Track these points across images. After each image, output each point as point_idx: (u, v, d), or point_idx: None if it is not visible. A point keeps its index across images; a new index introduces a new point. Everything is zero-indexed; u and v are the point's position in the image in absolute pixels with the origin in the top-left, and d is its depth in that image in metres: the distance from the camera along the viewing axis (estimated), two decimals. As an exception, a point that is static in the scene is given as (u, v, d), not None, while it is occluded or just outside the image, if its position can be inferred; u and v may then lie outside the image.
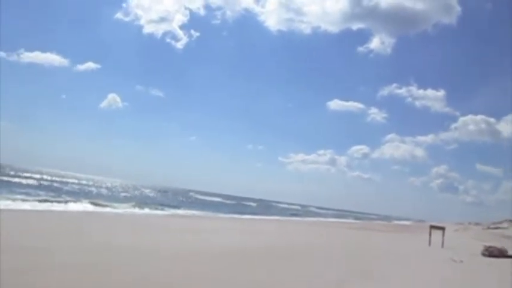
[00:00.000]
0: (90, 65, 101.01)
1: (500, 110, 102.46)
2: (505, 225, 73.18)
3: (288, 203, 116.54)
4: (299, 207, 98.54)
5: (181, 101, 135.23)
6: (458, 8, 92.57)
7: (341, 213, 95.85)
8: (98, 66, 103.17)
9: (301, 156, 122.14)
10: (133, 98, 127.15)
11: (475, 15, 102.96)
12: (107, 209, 24.42)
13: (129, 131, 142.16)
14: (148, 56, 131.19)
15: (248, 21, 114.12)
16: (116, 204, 28.17)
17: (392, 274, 9.38)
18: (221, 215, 34.80)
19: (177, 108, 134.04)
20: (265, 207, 76.52)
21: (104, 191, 52.53)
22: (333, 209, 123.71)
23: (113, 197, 42.11)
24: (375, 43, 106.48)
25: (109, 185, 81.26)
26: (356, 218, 74.98)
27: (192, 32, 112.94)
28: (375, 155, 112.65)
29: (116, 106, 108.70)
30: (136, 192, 63.65)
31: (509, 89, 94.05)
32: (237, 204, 69.68)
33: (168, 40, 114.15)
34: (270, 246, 13.10)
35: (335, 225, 36.49)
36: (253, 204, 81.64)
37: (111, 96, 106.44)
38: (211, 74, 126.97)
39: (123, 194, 52.20)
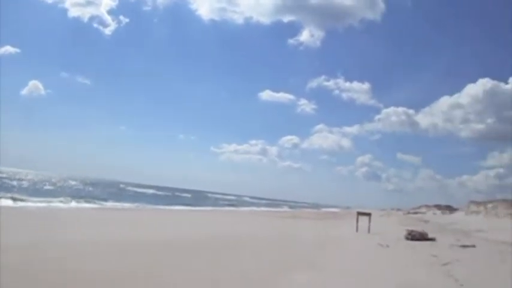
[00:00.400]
0: (8, 49, 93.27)
1: (419, 103, 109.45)
2: (423, 210, 78.61)
3: (222, 194, 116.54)
4: (233, 198, 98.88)
5: (110, 89, 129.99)
6: (382, 5, 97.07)
7: (274, 203, 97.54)
8: (17, 50, 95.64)
9: (233, 146, 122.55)
10: (57, 86, 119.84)
11: (397, 12, 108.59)
12: (29, 204, 22.63)
13: (54, 120, 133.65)
14: (74, 41, 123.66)
15: (180, 9, 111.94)
16: (38, 199, 26.20)
17: (324, 260, 9.46)
18: (150, 207, 33.74)
19: (105, 96, 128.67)
20: (200, 198, 75.72)
21: (26, 185, 48.90)
22: (266, 199, 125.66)
23: (36, 190, 39.28)
24: (304, 36, 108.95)
25: (32, 178, 75.89)
26: (288, 207, 76.64)
27: (121, 17, 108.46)
28: (305, 145, 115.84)
29: (38, 93, 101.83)
30: (63, 185, 60.04)
31: (427, 83, 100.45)
32: (171, 196, 68.30)
33: (95, 25, 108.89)
34: (199, 237, 12.78)
35: (267, 215, 36.88)
36: (187, 195, 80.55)
37: (33, 83, 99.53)
38: (141, 62, 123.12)
39: (47, 188, 49.07)
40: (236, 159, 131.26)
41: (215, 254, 9.37)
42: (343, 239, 15.80)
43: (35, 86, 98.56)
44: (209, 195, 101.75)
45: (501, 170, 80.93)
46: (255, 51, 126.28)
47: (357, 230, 19.68)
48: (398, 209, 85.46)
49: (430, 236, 17.24)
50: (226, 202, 68.11)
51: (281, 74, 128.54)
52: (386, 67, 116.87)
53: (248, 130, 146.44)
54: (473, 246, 14.89)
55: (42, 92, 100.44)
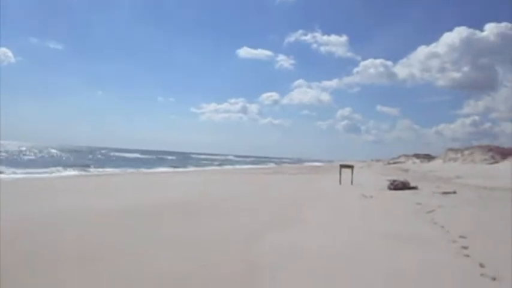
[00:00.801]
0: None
1: (396, 54, 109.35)
2: (402, 159, 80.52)
3: (207, 154, 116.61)
4: (218, 158, 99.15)
5: (83, 53, 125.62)
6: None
7: (258, 160, 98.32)
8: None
9: (213, 106, 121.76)
10: (27, 52, 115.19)
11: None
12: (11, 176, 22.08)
13: (26, 88, 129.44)
14: (42, 4, 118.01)
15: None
16: (22, 170, 25.48)
17: (311, 214, 9.53)
18: (134, 171, 33.47)
19: (79, 62, 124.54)
20: (184, 159, 75.58)
21: (5, 156, 47.48)
22: (251, 156, 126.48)
23: (16, 161, 38.27)
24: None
25: (10, 149, 73.88)
26: (273, 164, 77.38)
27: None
28: (285, 101, 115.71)
29: (8, 62, 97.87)
30: (44, 155, 58.68)
31: (404, 34, 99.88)
32: (155, 159, 67.86)
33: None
34: (186, 199, 12.74)
35: (251, 172, 37.10)
36: (172, 157, 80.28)
37: (1, 50, 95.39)
38: (113, 24, 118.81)
39: (29, 157, 48.11)
40: (217, 118, 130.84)
41: (197, 214, 9.34)
42: (328, 192, 15.98)
43: (4, 53, 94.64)
44: (194, 156, 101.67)
45: (477, 118, 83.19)
46: (231, 8, 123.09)
47: (340, 183, 19.96)
48: (378, 160, 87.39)
49: (412, 184, 17.62)
50: (210, 162, 68.17)
51: (258, 30, 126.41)
52: (363, 19, 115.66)
53: (227, 89, 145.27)
54: (454, 192, 15.30)
55: (12, 59, 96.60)
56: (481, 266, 4.91)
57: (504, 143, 62.79)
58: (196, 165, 51.76)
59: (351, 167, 21.89)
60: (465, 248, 5.83)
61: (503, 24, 71.81)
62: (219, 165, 57.85)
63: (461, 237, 6.58)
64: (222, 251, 5.68)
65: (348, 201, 12.86)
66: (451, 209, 10.64)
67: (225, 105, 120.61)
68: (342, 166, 22.15)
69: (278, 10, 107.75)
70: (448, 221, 8.33)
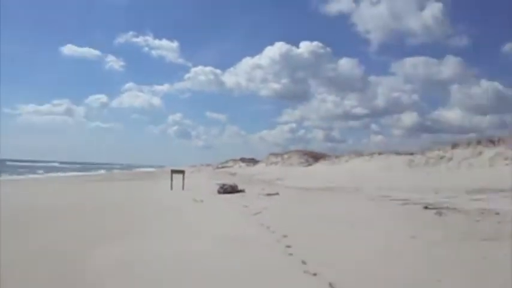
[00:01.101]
0: None
1: (225, 63, 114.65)
2: (230, 164, 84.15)
3: (27, 161, 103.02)
4: (40, 164, 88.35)
5: None
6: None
7: (86, 167, 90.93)
8: None
9: (32, 107, 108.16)
10: None
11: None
12: None
13: None
14: None
15: None
16: None
17: (141, 223, 9.11)
18: None
19: None
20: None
21: None
22: (79, 163, 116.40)
23: None
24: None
25: None
26: (100, 170, 72.41)
27: None
28: (114, 104, 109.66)
29: None
30: None
31: (231, 44, 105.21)
32: None
33: None
34: None
35: (77, 180, 34.11)
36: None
37: None
38: None
39: None
40: (37, 121, 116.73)
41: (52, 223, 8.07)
42: (159, 198, 15.62)
43: None
44: (10, 163, 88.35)
45: (294, 125, 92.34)
46: (55, 2, 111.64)
47: (171, 188, 19.74)
48: (209, 165, 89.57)
49: (240, 188, 18.44)
50: (30, 170, 60.19)
51: (85, 28, 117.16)
52: (194, 27, 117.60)
53: (49, 89, 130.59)
54: (277, 194, 16.50)
55: None
56: (303, 263, 5.27)
57: (316, 147, 71.03)
58: (12, 174, 45.16)
59: (182, 172, 21.86)
60: (289, 246, 6.23)
61: (315, 43, 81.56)
62: (39, 173, 51.62)
63: (284, 236, 7.02)
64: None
65: (179, 206, 12.72)
66: (275, 209, 11.39)
67: (46, 107, 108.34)
68: (173, 172, 21.95)
69: (108, 9, 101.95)
70: (273, 222, 8.85)
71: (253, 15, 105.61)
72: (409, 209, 11.07)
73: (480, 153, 34.83)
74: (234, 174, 45.21)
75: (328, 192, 17.52)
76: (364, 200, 13.77)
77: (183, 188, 19.60)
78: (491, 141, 36.26)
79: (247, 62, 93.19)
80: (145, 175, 48.62)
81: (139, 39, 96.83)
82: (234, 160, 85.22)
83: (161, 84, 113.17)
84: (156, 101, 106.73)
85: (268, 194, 16.23)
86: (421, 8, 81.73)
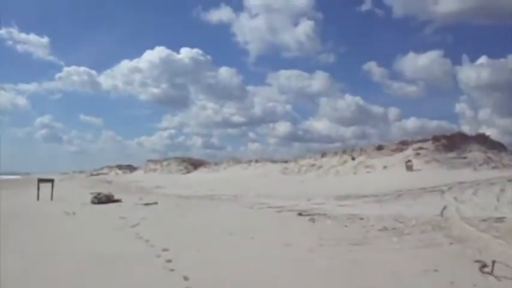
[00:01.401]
0: None
1: (101, 64, 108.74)
2: (105, 170, 79.87)
3: None
4: None
5: None
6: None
7: None
8: None
9: None
10: None
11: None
12: None
13: None
14: None
15: None
16: None
17: (6, 240, 8.08)
18: None
19: None
20: None
21: None
22: None
23: None
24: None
25: None
26: None
27: None
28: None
29: None
30: None
31: (109, 45, 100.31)
32: None
33: None
34: None
35: None
36: None
37: None
38: None
39: None
40: None
41: None
42: (22, 211, 14.03)
43: None
44: None
45: (173, 131, 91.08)
46: None
47: (38, 199, 17.94)
48: (81, 171, 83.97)
49: (116, 197, 17.55)
50: None
51: None
52: (68, 24, 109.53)
53: None
54: (156, 203, 16.06)
55: None
56: (185, 279, 5.17)
57: (195, 154, 71.00)
58: None
59: (51, 180, 20.01)
60: (169, 261, 6.06)
61: (195, 50, 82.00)
62: None
63: (164, 250, 6.83)
64: None
65: (46, 220, 11.60)
66: (154, 220, 11.07)
67: None
68: (40, 180, 20.00)
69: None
70: (152, 234, 8.57)
71: (133, 17, 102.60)
72: (284, 216, 11.64)
73: (345, 161, 38.35)
74: (109, 182, 42.88)
75: (208, 201, 17.58)
76: (243, 208, 14.12)
77: (51, 199, 17.95)
78: (355, 151, 40.19)
79: (125, 64, 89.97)
80: (6, 184, 43.48)
81: (2, 32, 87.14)
82: (110, 167, 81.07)
83: (28, 82, 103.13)
84: (21, 100, 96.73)
85: (147, 204, 15.72)
86: (295, 24, 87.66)
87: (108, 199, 16.70)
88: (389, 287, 4.86)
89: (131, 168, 77.58)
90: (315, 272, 5.55)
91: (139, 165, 76.22)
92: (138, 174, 64.70)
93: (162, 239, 7.88)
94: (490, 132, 40.78)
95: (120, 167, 78.90)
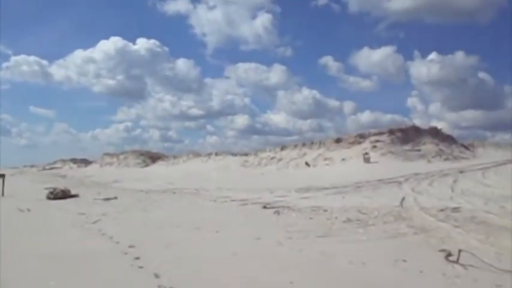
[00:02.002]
0: None
1: (53, 54, 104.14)
2: (58, 164, 76.96)
3: None
4: None
5: None
6: None
7: None
8: None
9: None
10: None
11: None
12: None
13: None
14: None
15: None
16: None
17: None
18: None
19: None
20: None
21: None
22: None
23: None
24: None
25: None
26: None
27: None
28: None
29: None
30: None
31: (60, 34, 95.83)
32: None
33: None
34: None
35: None
36: None
37: None
38: None
39: None
40: None
41: None
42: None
43: None
44: None
45: (129, 124, 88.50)
46: None
47: (-12, 195, 17.03)
48: (32, 165, 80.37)
49: (73, 192, 16.93)
50: None
51: None
52: (16, 9, 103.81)
53: None
54: (115, 198, 15.64)
55: None
56: (156, 276, 5.02)
57: (153, 147, 69.66)
58: None
59: (1, 176, 19.01)
60: (137, 258, 5.87)
61: (152, 41, 79.94)
62: None
63: (131, 246, 6.64)
64: None
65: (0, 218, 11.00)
66: (116, 216, 10.76)
67: None
68: (-9, 175, 18.96)
69: None
70: (115, 230, 8.32)
71: (87, 5, 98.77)
72: (249, 209, 11.66)
73: (304, 154, 38.90)
74: (63, 176, 41.34)
75: (170, 195, 17.33)
76: (206, 202, 14.03)
77: (3, 194, 17.08)
78: (314, 144, 40.84)
79: (79, 54, 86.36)
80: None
81: None
82: (64, 160, 78.04)
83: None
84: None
85: (106, 199, 15.29)
86: (253, 17, 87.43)
87: (65, 194, 16.08)
88: (360, 278, 4.95)
89: (86, 162, 75.09)
90: (286, 265, 5.56)
91: (94, 159, 73.85)
92: (93, 168, 62.77)
93: (126, 236, 7.65)
94: (441, 126, 42.66)
95: (74, 160, 76.15)
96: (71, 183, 24.71)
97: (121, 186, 24.26)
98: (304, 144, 41.36)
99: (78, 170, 61.06)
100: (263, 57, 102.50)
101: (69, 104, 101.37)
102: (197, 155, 54.54)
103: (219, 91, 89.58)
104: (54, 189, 16.50)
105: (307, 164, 33.65)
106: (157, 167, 53.45)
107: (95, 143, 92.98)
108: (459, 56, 73.91)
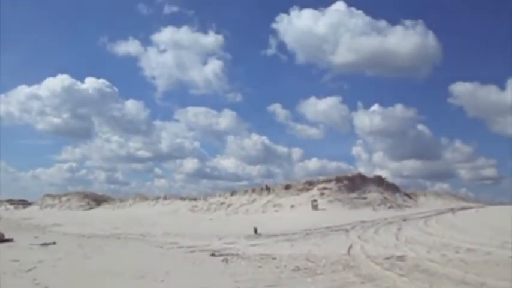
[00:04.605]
0: None
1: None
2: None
3: None
4: None
5: None
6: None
7: None
8: None
9: None
10: None
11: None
12: None
13: None
14: None
15: None
16: None
17: None
18: None
19: None
20: None
21: None
22: None
23: None
24: None
25: None
26: None
27: None
28: None
29: None
30: None
31: (6, 67, 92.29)
32: None
33: None
34: None
35: None
36: None
37: None
38: None
39: None
40: None
41: None
42: None
43: None
44: None
45: (74, 164, 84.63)
46: None
47: None
48: (-37, 206, 74.80)
49: (6, 236, 15.82)
50: None
51: None
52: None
53: None
54: (54, 243, 14.73)
55: None
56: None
57: (98, 189, 67.12)
58: None
59: None
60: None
61: (101, 80, 78.78)
62: None
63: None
64: None
65: None
66: (53, 263, 10.08)
67: None
68: None
69: None
70: (52, 279, 7.80)
71: (33, 41, 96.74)
72: (197, 256, 11.33)
73: (254, 200, 38.90)
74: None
75: (114, 240, 16.60)
76: (152, 248, 13.56)
77: None
78: (264, 190, 41.01)
79: (22, 90, 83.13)
80: None
81: None
82: (0, 201, 73.39)
83: None
84: None
85: (44, 244, 14.36)
86: (204, 62, 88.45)
87: (-2, 239, 14.99)
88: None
89: (25, 203, 70.95)
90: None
91: (34, 200, 69.99)
92: (33, 210, 59.29)
93: (63, 285, 7.21)
94: (384, 175, 44.32)
95: (11, 201, 71.66)
96: (6, 226, 23.05)
97: (62, 230, 22.97)
98: (254, 190, 41.42)
99: (15, 212, 57.43)
100: (213, 102, 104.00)
101: (9, 141, 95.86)
102: (144, 198, 53.07)
103: (169, 134, 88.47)
104: (-13, 233, 15.35)
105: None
106: (102, 210, 51.37)
107: (36, 183, 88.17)
108: (399, 108, 78.00)
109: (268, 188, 39.59)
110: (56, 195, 65.66)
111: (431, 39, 73.77)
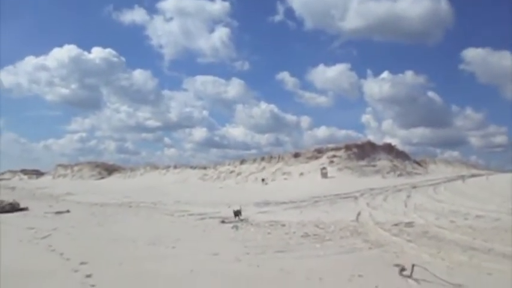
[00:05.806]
0: None
1: (2, 60, 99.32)
2: (7, 176, 73.48)
3: None
4: None
5: None
6: None
7: None
8: None
9: None
10: None
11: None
12: None
13: None
14: None
15: None
16: None
17: None
18: None
19: None
20: None
21: None
22: None
23: None
24: None
25: None
26: None
27: None
28: None
29: None
30: None
31: (11, 40, 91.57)
32: None
33: None
34: None
35: None
36: None
37: None
38: None
39: None
40: None
41: None
42: None
43: None
44: None
45: (84, 134, 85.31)
46: None
47: None
48: (-22, 177, 76.32)
49: (22, 205, 16.19)
50: None
51: None
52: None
53: None
54: (68, 211, 15.06)
55: None
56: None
57: (108, 159, 67.72)
58: None
59: None
60: (89, 276, 5.64)
61: (108, 50, 78.06)
62: None
63: (82, 263, 6.37)
64: None
65: None
66: (68, 230, 10.33)
67: None
68: None
69: None
70: (67, 246, 7.99)
71: (40, 11, 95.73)
72: (207, 223, 11.52)
73: (264, 168, 39.10)
74: (13, 188, 39.38)
75: (126, 208, 16.90)
76: (164, 216, 13.77)
77: None
78: (273, 158, 41.15)
79: (30, 61, 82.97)
80: None
81: None
82: (13, 171, 74.62)
83: None
84: None
85: (58, 212, 14.69)
86: (211, 30, 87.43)
87: (13, 207, 15.36)
88: (317, 294, 4.97)
89: (38, 173, 72.13)
90: (244, 282, 5.51)
91: (47, 170, 71.10)
92: (46, 180, 60.33)
93: (78, 252, 7.35)
94: (394, 142, 44.09)
95: (25, 171, 72.95)
96: (21, 196, 23.57)
97: (75, 199, 23.43)
98: (263, 159, 41.58)
99: (29, 182, 58.55)
100: (221, 70, 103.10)
101: (19, 113, 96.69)
102: (155, 167, 53.60)
103: (177, 103, 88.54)
104: (1, 202, 15.71)
105: (263, 180, 33.67)
106: (114, 180, 52.11)
107: (48, 154, 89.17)
108: (409, 75, 76.85)
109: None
110: (68, 165, 66.56)
111: (443, 3, 72.19)
